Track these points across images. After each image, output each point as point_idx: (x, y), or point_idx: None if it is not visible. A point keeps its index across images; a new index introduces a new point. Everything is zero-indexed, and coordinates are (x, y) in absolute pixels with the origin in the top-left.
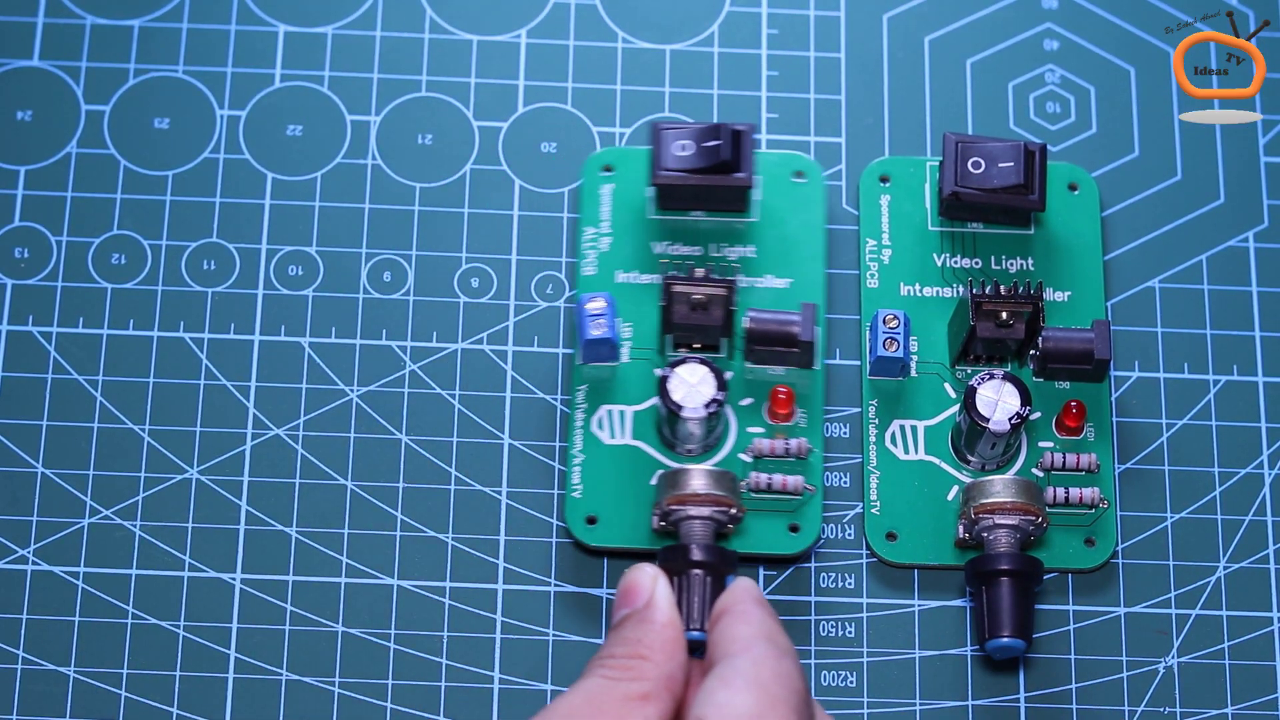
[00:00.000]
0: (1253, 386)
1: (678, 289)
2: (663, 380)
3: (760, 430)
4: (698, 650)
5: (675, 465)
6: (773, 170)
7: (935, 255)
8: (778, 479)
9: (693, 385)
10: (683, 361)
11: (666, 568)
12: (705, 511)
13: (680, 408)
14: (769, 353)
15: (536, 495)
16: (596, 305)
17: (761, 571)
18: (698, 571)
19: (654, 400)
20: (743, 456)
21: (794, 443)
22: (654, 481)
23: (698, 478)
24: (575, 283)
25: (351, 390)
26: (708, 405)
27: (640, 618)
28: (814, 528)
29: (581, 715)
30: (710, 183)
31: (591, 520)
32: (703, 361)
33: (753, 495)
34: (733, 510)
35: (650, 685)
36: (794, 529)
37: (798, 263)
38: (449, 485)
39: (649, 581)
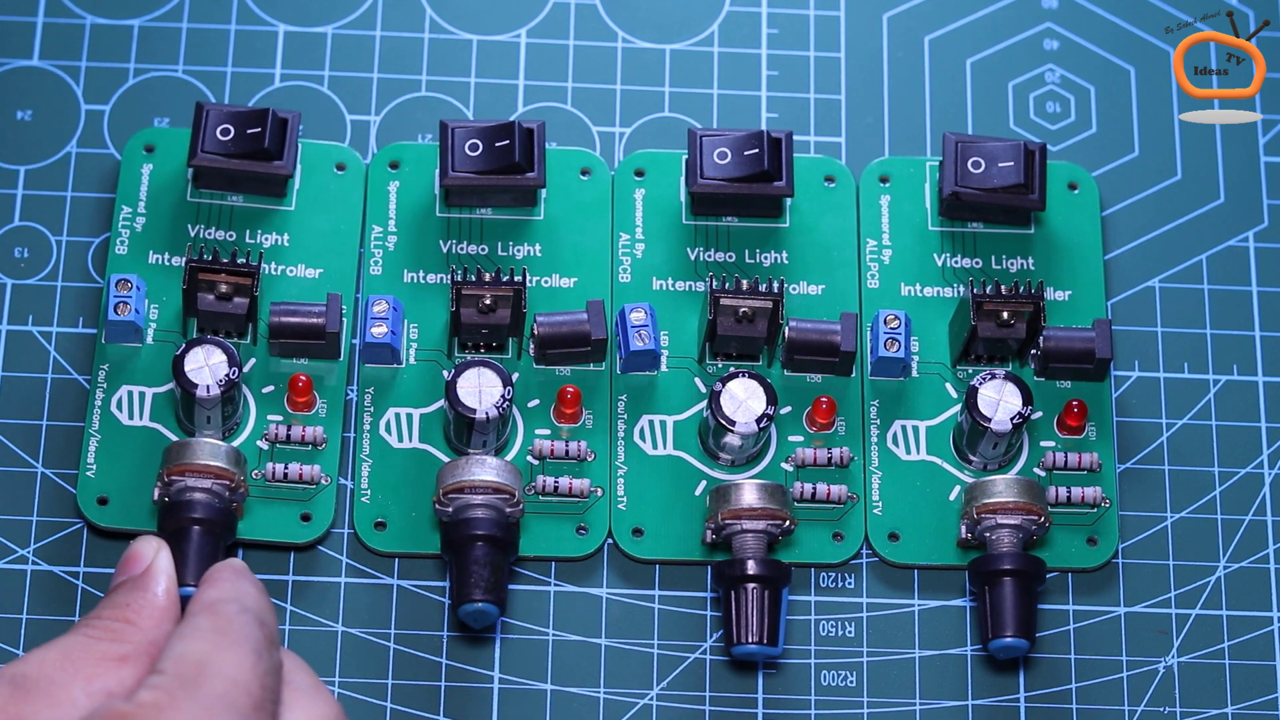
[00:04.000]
0: (1253, 386)
1: (725, 302)
2: (714, 395)
3: (800, 439)
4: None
5: (720, 476)
6: (804, 174)
7: (935, 255)
8: (821, 488)
9: (743, 401)
10: (733, 376)
11: (722, 581)
12: (759, 525)
13: (733, 423)
14: (808, 362)
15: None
16: (639, 316)
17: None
18: (753, 585)
19: (694, 410)
20: (785, 466)
21: (836, 451)
22: (698, 492)
23: (750, 492)
24: (613, 291)
25: (350, 391)
26: (759, 420)
27: (135, 584)
28: (857, 535)
29: (53, 668)
30: (749, 192)
31: (638, 532)
32: (753, 376)
33: (796, 504)
34: (786, 523)
35: (131, 649)
36: (838, 537)
37: (831, 269)
38: None
39: (150, 551)
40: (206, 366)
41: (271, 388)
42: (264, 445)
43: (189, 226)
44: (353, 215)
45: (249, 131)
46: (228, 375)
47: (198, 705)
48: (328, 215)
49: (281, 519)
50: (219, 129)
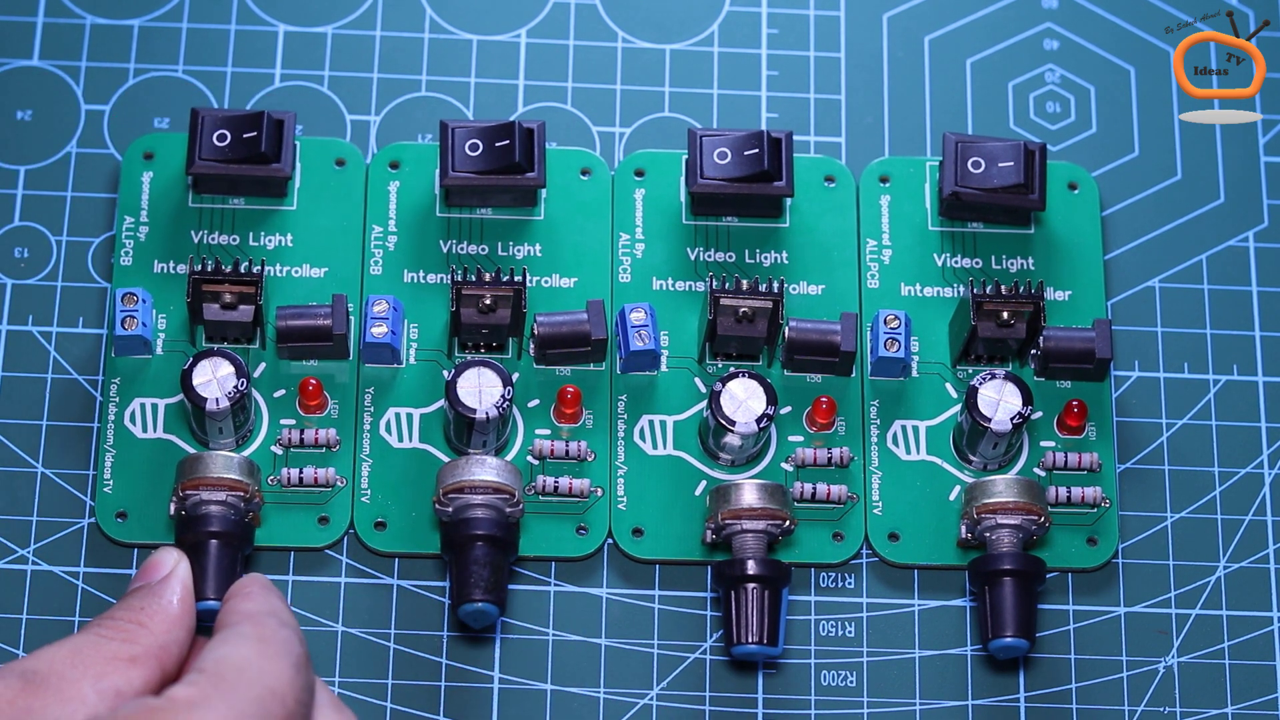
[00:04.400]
0: (1253, 386)
1: (725, 302)
2: (714, 395)
3: (800, 439)
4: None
5: (720, 476)
6: (804, 174)
7: (935, 255)
8: (821, 488)
9: (743, 401)
10: (733, 376)
11: (722, 581)
12: (759, 525)
13: (733, 423)
14: (808, 362)
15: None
16: (639, 316)
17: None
18: (753, 585)
19: (694, 410)
20: (785, 466)
21: (836, 451)
22: (698, 492)
23: (750, 492)
24: (613, 291)
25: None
26: (759, 420)
27: (150, 590)
28: (857, 536)
29: (63, 664)
30: (749, 192)
31: (638, 532)
32: (753, 376)
33: (796, 504)
34: (786, 523)
35: (140, 650)
36: (838, 537)
37: (831, 269)
38: None
39: (170, 561)
40: (215, 379)
41: (283, 391)
42: (278, 450)
43: (192, 233)
44: (354, 211)
45: (245, 136)
46: (236, 386)
47: (231, 707)
48: (329, 213)
49: (299, 524)
50: (215, 135)
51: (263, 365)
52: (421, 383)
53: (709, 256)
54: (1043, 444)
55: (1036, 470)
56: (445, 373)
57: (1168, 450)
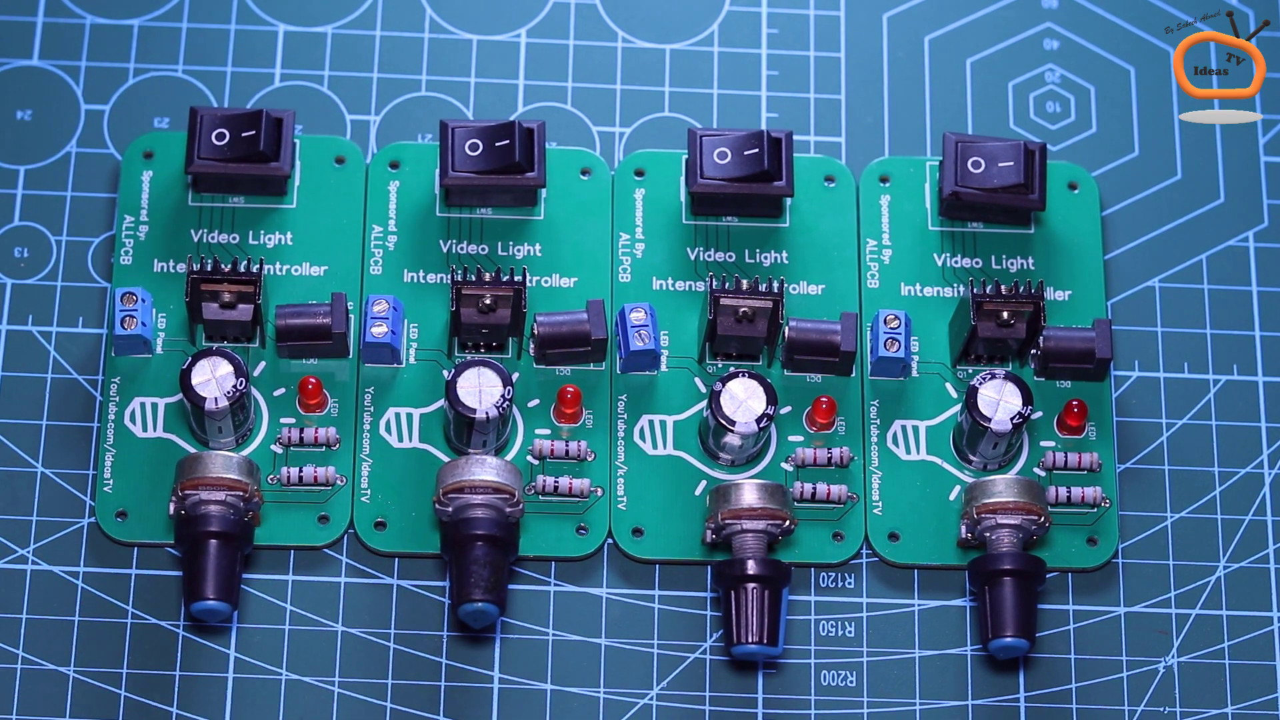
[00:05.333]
0: (1253, 386)
1: (725, 302)
2: (714, 395)
3: (800, 439)
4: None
5: (720, 476)
6: (804, 174)
7: (935, 255)
8: (821, 488)
9: (743, 401)
10: (733, 376)
11: (722, 581)
12: (759, 525)
13: (733, 423)
14: (808, 362)
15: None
16: (639, 316)
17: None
18: (753, 585)
19: (694, 410)
20: (785, 466)
21: (837, 451)
22: (698, 492)
23: (750, 492)
24: (613, 291)
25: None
26: (759, 420)
27: None
28: (857, 536)
29: None
30: (749, 192)
31: (638, 532)
32: (753, 376)
33: (796, 504)
34: (786, 523)
35: None
36: (838, 537)
37: (831, 269)
38: None
39: None
40: (214, 379)
41: (283, 390)
42: (278, 449)
43: (192, 232)
44: (354, 208)
45: (244, 134)
46: (235, 386)
47: None
48: (329, 211)
49: (299, 523)
50: (214, 134)
51: (262, 364)
52: (421, 383)
53: (709, 256)
54: (1043, 444)
55: (1036, 470)
56: (445, 373)
57: (1168, 450)
